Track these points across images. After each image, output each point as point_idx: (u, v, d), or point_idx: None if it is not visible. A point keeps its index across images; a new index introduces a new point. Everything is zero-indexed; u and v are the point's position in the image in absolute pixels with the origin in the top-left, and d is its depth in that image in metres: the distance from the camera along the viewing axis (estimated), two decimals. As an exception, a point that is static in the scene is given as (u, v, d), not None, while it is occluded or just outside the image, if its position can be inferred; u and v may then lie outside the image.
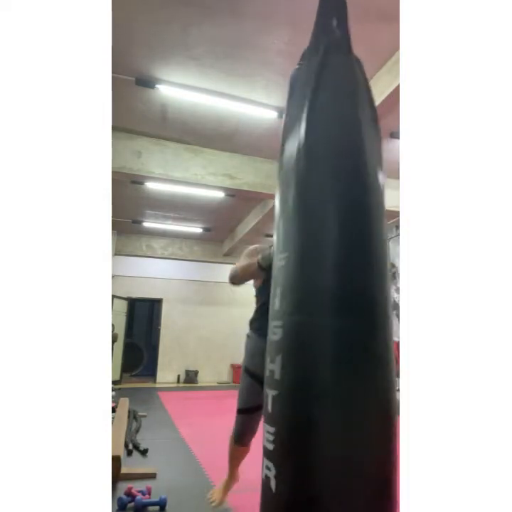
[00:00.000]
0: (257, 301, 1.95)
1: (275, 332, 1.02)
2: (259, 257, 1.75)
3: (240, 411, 1.91)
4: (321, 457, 0.90)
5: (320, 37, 1.20)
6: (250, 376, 1.84)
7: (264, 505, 0.96)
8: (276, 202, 1.15)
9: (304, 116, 1.11)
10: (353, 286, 0.96)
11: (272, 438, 0.95)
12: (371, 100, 1.18)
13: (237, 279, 1.86)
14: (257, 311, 1.94)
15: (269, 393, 0.98)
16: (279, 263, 1.07)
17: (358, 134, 1.09)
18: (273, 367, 0.98)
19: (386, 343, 0.97)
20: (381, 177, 1.10)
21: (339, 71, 1.15)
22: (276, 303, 1.06)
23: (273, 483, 0.93)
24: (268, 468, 0.95)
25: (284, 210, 1.09)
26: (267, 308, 1.79)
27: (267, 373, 1.01)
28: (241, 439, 1.97)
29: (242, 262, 1.88)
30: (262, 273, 1.75)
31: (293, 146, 1.11)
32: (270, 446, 0.95)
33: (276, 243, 1.12)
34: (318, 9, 1.22)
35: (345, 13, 1.20)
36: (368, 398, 0.93)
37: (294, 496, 0.90)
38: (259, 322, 1.82)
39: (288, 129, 1.17)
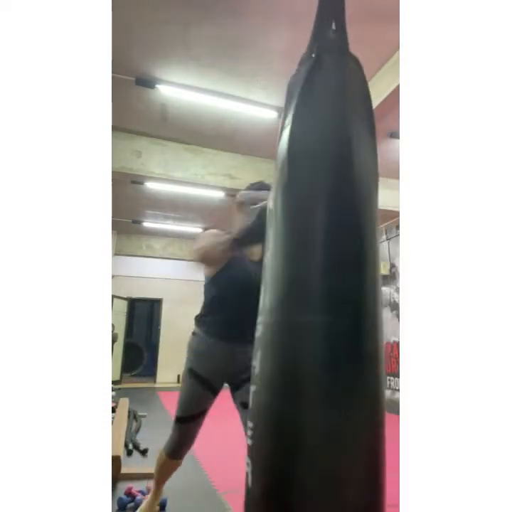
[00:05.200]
0: (207, 294, 1.67)
1: (257, 329, 1.03)
2: (236, 233, 1.37)
3: (178, 419, 1.61)
4: (292, 456, 0.87)
5: (315, 41, 1.20)
6: (195, 378, 1.59)
7: (245, 501, 0.96)
8: (269, 203, 1.15)
9: (291, 116, 1.11)
10: (337, 283, 0.94)
11: (250, 433, 0.96)
12: (365, 99, 1.17)
13: (209, 256, 1.46)
14: (206, 306, 1.67)
15: (251, 389, 1.00)
16: (265, 261, 1.08)
17: (344, 133, 1.09)
18: (255, 363, 1.00)
19: (373, 341, 0.95)
20: (370, 176, 1.07)
21: (330, 71, 1.15)
22: (261, 300, 1.07)
23: (249, 479, 0.93)
24: (247, 464, 0.95)
25: (273, 210, 1.10)
26: (219, 303, 1.62)
27: (252, 370, 1.02)
28: (177, 451, 1.68)
29: (208, 240, 1.47)
30: (236, 250, 1.45)
31: (281, 146, 1.12)
32: (250, 442, 0.96)
33: (266, 242, 1.13)
34: (317, 12, 1.22)
35: (343, 15, 1.21)
36: (348, 397, 0.91)
37: (264, 493, 0.90)
38: (209, 319, 1.63)
39: (280, 132, 1.18)
